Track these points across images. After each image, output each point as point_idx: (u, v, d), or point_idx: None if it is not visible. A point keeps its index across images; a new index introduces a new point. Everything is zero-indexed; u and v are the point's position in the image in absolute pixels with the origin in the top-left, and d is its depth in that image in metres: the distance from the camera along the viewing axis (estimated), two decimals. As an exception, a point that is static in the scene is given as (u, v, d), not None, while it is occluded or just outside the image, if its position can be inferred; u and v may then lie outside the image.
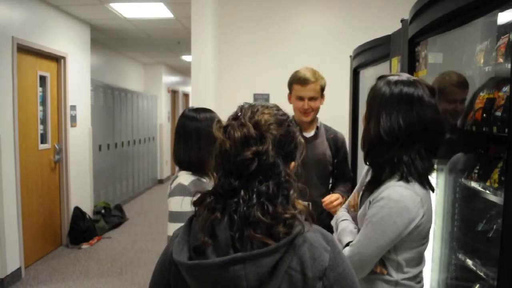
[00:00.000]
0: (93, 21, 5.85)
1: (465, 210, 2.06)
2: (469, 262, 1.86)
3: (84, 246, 5.28)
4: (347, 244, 1.47)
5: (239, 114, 1.03)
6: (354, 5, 4.54)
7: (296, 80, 2.36)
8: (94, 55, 6.44)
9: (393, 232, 1.35)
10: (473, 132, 1.80)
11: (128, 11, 5.31)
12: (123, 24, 5.92)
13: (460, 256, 1.97)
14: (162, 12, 5.27)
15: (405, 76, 1.49)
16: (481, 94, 1.87)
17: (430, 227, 1.45)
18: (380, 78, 1.50)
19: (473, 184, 1.87)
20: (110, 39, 7.04)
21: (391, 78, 1.46)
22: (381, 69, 3.07)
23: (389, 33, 2.64)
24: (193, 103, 4.06)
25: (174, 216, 1.94)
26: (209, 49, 4.06)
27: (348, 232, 1.54)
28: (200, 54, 4.01)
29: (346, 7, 4.57)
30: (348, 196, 2.32)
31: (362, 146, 1.50)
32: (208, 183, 2.01)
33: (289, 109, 2.39)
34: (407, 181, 1.38)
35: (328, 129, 2.50)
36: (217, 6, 4.40)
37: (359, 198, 1.62)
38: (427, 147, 1.42)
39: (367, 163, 1.52)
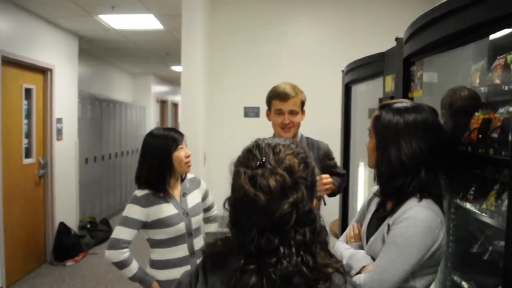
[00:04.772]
0: (81, 32, 5.77)
1: (459, 231, 2.03)
2: (465, 284, 1.82)
3: (69, 263, 5.14)
4: (360, 271, 1.41)
5: (264, 159, 0.91)
6: (345, 20, 4.54)
7: (276, 96, 2.25)
8: (82, 65, 6.35)
9: (418, 254, 1.32)
10: (469, 153, 1.77)
11: (117, 23, 5.25)
12: (112, 35, 5.84)
13: (456, 278, 1.93)
14: (152, 23, 5.23)
15: (409, 102, 1.53)
16: (476, 114, 1.84)
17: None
18: (384, 107, 1.51)
19: (469, 206, 1.83)
20: (98, 49, 6.96)
21: (398, 106, 1.49)
22: (373, 85, 3.05)
23: (380, 48, 2.61)
24: (183, 116, 4.00)
25: (122, 220, 2.14)
26: (199, 62, 4.01)
27: (361, 256, 1.47)
28: (190, 67, 3.96)
29: (337, 21, 4.57)
30: (338, 185, 2.33)
31: (380, 175, 1.48)
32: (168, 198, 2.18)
33: (268, 126, 2.35)
34: (428, 202, 1.39)
35: (310, 142, 2.38)
36: (207, 18, 4.36)
37: (366, 227, 1.58)
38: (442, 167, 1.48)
39: (387, 193, 1.49)
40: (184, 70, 3.96)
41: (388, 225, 1.41)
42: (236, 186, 0.90)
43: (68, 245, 5.20)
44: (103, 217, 6.67)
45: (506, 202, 1.63)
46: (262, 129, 4.30)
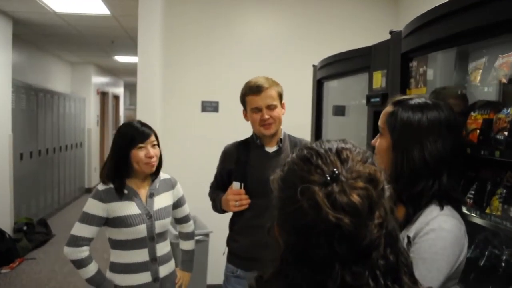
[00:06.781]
0: (16, 14, 5.21)
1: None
2: (460, 291, 1.74)
3: (4, 270, 4.65)
4: None
5: (335, 170, 0.69)
6: (310, 14, 4.41)
7: (249, 91, 2.07)
8: (16, 52, 5.77)
9: (447, 268, 1.20)
10: (468, 155, 1.69)
11: (59, 5, 4.79)
12: (52, 19, 5.34)
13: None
14: (98, 8, 4.82)
15: (428, 99, 1.40)
16: (473, 113, 1.76)
17: None
18: (399, 103, 1.37)
19: (465, 210, 1.75)
20: (35, 34, 6.35)
21: (416, 102, 1.36)
22: (344, 82, 2.94)
23: (350, 45, 2.51)
24: (140, 111, 3.69)
25: (81, 216, 2.04)
26: (158, 53, 3.72)
27: None
28: (147, 58, 3.65)
29: (303, 15, 4.42)
30: None
31: (400, 178, 1.30)
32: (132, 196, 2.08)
33: (247, 126, 2.16)
34: (449, 209, 1.28)
35: (292, 140, 2.21)
36: (164, 6, 4.05)
37: None
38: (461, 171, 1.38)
39: (404, 198, 1.32)
40: (141, 61, 3.65)
41: (408, 237, 1.26)
42: (303, 208, 0.67)
43: (2, 251, 4.72)
44: (41, 218, 6.17)
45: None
46: (221, 124, 4.09)
